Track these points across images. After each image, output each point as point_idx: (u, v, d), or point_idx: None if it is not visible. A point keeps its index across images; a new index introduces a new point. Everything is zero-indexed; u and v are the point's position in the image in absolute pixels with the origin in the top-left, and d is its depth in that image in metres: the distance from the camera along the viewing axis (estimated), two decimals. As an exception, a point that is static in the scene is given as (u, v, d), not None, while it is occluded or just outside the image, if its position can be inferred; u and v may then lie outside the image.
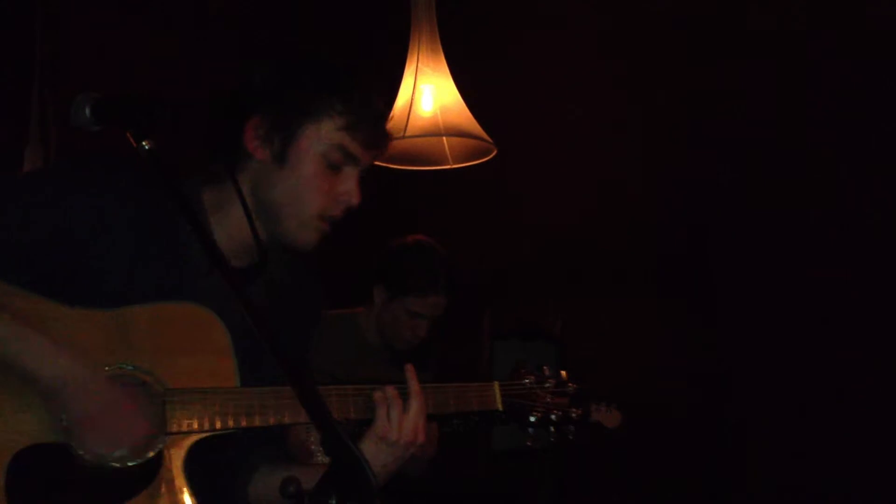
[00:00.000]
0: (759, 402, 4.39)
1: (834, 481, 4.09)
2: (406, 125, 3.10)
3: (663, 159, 4.63)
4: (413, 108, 3.14)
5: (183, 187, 1.55)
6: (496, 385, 1.94)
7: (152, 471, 1.64)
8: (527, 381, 1.97)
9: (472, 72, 3.46)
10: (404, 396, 1.80)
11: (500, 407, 1.94)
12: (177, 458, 1.65)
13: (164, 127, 1.56)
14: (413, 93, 3.16)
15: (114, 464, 1.62)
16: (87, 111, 1.54)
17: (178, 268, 1.76)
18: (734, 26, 4.37)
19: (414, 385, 1.81)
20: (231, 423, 1.68)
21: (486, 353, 4.60)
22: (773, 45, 4.31)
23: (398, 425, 1.77)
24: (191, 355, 1.68)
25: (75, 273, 1.67)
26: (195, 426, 1.66)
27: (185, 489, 1.64)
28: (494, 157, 3.30)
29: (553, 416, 1.95)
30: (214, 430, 1.67)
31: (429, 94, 3.19)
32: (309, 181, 1.78)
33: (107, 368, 1.63)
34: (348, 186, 1.81)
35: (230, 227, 1.80)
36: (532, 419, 1.95)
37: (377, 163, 1.92)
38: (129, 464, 1.63)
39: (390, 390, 1.79)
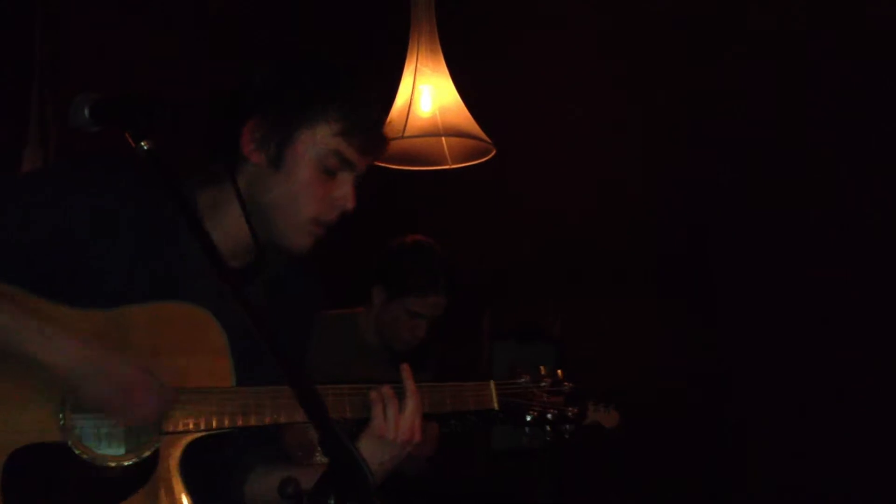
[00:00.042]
0: (759, 402, 4.39)
1: (834, 481, 4.09)
2: (405, 125, 3.10)
3: (663, 159, 4.63)
4: (412, 108, 3.14)
5: (181, 188, 1.55)
6: (492, 384, 1.95)
7: (148, 470, 1.64)
8: (523, 380, 1.98)
9: (472, 72, 3.46)
10: (400, 395, 1.80)
11: (496, 406, 1.94)
12: (173, 458, 1.65)
13: (163, 127, 1.56)
14: (412, 93, 3.16)
15: (110, 463, 1.63)
16: (86, 112, 1.54)
17: (177, 268, 1.76)
18: (734, 26, 4.37)
19: (410, 384, 1.81)
20: (227, 423, 1.69)
21: (485, 354, 4.61)
22: (773, 45, 4.31)
23: (394, 424, 1.77)
24: (187, 355, 1.69)
25: (75, 273, 1.67)
26: (191, 426, 1.66)
27: (180, 489, 1.65)
28: (494, 157, 3.30)
29: (549, 415, 1.96)
30: (210, 429, 1.68)
31: (428, 94, 3.19)
32: (304, 186, 1.77)
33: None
34: (343, 191, 1.80)
35: (227, 228, 1.80)
36: (528, 418, 1.96)
37: (376, 163, 1.92)
38: (126, 463, 1.63)
39: (386, 389, 1.80)
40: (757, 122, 4.38)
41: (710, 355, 4.50)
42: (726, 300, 4.58)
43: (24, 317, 1.60)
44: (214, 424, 1.68)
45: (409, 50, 3.26)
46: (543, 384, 1.99)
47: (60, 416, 1.62)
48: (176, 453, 1.66)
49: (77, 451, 1.61)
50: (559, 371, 2.02)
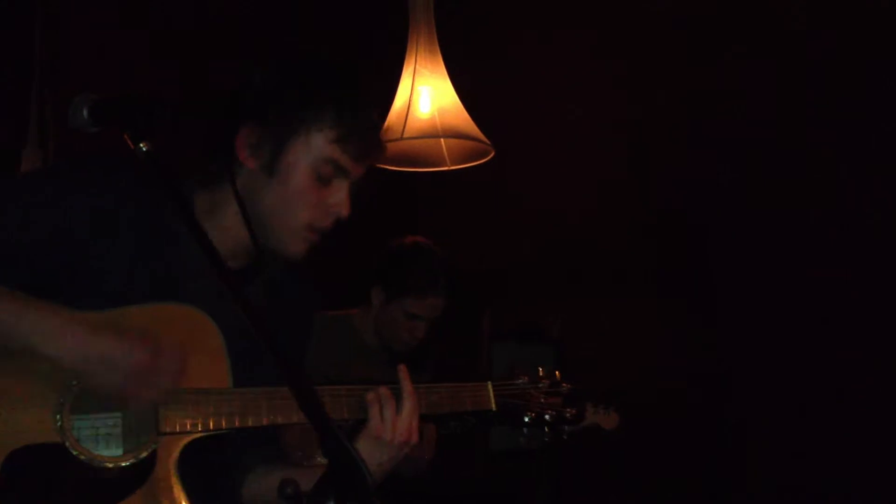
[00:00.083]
0: (759, 402, 4.39)
1: (834, 481, 4.09)
2: (404, 127, 3.10)
3: (663, 159, 4.63)
4: (411, 109, 3.14)
5: (180, 188, 1.55)
6: (489, 385, 1.95)
7: (146, 471, 1.64)
8: (520, 381, 1.98)
9: (472, 72, 3.46)
10: (397, 397, 1.80)
11: (493, 407, 1.94)
12: (171, 459, 1.66)
13: (163, 128, 1.56)
14: (411, 94, 3.16)
15: (107, 464, 1.63)
16: (85, 112, 1.54)
17: (176, 268, 1.76)
18: (734, 26, 4.37)
19: (407, 385, 1.81)
20: (224, 424, 1.69)
21: (484, 355, 4.61)
22: (773, 45, 4.31)
23: (392, 425, 1.77)
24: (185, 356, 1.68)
25: (75, 273, 1.67)
26: (188, 426, 1.66)
27: (178, 490, 1.65)
28: (494, 157, 3.30)
29: (547, 416, 1.96)
30: (208, 430, 1.68)
31: (426, 95, 3.19)
32: (298, 193, 1.77)
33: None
34: (338, 198, 1.80)
35: (224, 230, 1.80)
36: (526, 419, 1.96)
37: (375, 165, 1.92)
38: (123, 464, 1.63)
39: (383, 390, 1.80)
40: (757, 122, 4.38)
41: (710, 355, 4.50)
42: (726, 300, 4.58)
43: (27, 310, 1.60)
44: (212, 425, 1.68)
45: (407, 51, 3.26)
46: (541, 385, 1.99)
47: (58, 416, 1.62)
48: (174, 454, 1.66)
49: (74, 452, 1.61)
50: (557, 372, 2.02)
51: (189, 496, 1.66)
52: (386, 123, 3.16)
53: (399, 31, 3.36)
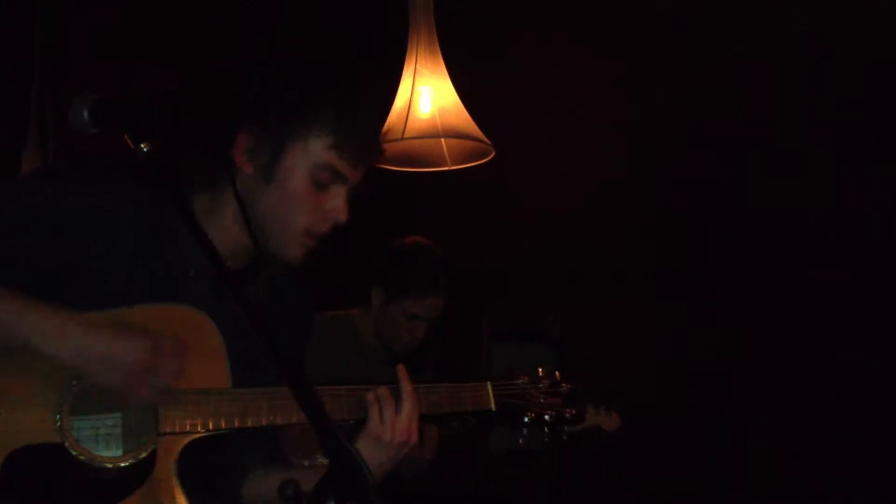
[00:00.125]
0: (759, 402, 4.39)
1: (834, 481, 4.09)
2: (404, 127, 3.10)
3: (663, 159, 4.63)
4: (411, 109, 3.14)
5: (180, 189, 1.55)
6: (489, 385, 1.94)
7: (145, 471, 1.64)
8: (520, 381, 1.98)
9: (472, 72, 3.46)
10: (397, 397, 1.80)
11: (493, 407, 1.93)
12: (170, 459, 1.65)
13: (163, 129, 1.56)
14: (411, 94, 3.16)
15: (106, 464, 1.63)
16: (85, 113, 1.54)
17: (176, 268, 1.76)
18: (734, 26, 4.36)
19: (406, 385, 1.81)
20: (223, 424, 1.69)
21: (484, 355, 4.61)
22: (773, 45, 4.31)
23: (391, 426, 1.77)
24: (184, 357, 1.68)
25: (75, 273, 1.68)
26: (188, 427, 1.66)
27: (178, 490, 1.65)
28: (494, 157, 3.30)
29: (547, 417, 1.95)
30: (207, 430, 1.68)
31: (427, 95, 3.19)
32: (295, 199, 1.76)
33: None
34: (335, 204, 1.79)
35: (222, 232, 1.79)
36: (525, 419, 1.95)
37: (376, 165, 1.91)
38: (123, 464, 1.63)
39: (382, 391, 1.79)
40: (757, 122, 4.38)
41: (710, 355, 4.50)
42: (726, 300, 4.58)
43: (27, 310, 1.60)
44: (211, 426, 1.68)
45: (408, 51, 3.26)
46: (541, 385, 1.98)
47: (57, 416, 1.62)
48: (173, 454, 1.66)
49: (74, 453, 1.61)
50: (557, 373, 2.02)
51: (189, 496, 1.66)
52: (386, 124, 3.17)
53: (399, 31, 3.36)
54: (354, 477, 1.26)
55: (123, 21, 4.05)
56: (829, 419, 4.15)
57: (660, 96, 4.56)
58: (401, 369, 1.83)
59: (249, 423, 1.71)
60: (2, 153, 3.63)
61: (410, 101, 3.16)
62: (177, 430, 1.66)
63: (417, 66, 3.19)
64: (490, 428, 3.81)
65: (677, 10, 4.34)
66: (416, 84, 3.18)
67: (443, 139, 3.25)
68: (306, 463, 2.70)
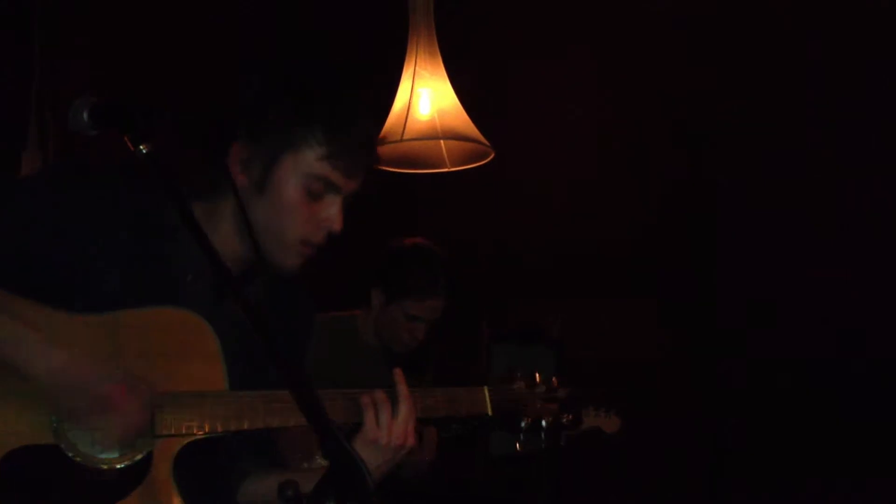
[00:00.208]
0: (759, 402, 4.39)
1: (834, 481, 4.09)
2: (403, 129, 3.10)
3: (663, 159, 4.63)
4: (410, 111, 3.14)
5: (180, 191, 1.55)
6: (486, 390, 1.93)
7: (141, 473, 1.64)
8: (517, 386, 1.97)
9: (472, 72, 3.46)
10: (393, 400, 1.79)
11: (489, 412, 1.92)
12: (166, 461, 1.65)
13: (163, 131, 1.56)
14: (410, 96, 3.16)
15: (102, 465, 1.63)
16: (85, 115, 1.54)
17: (175, 271, 1.76)
18: (734, 26, 4.36)
19: (403, 389, 1.80)
20: (220, 427, 1.68)
21: (484, 356, 4.60)
22: (773, 45, 4.31)
23: (388, 429, 1.76)
24: (181, 360, 1.68)
25: (74, 274, 1.67)
26: (184, 430, 1.66)
27: (174, 492, 1.65)
28: (494, 157, 3.30)
29: (544, 422, 1.95)
30: (204, 433, 1.67)
31: (426, 97, 3.19)
32: (288, 209, 1.75)
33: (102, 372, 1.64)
34: (329, 213, 1.77)
35: (218, 243, 1.78)
36: (522, 424, 1.95)
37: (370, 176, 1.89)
38: (119, 466, 1.63)
39: (378, 394, 1.79)
40: (757, 122, 4.38)
41: (710, 355, 4.50)
42: (726, 300, 4.58)
43: (11, 323, 1.59)
44: (208, 429, 1.67)
45: (407, 53, 3.26)
46: (539, 390, 1.98)
47: (53, 418, 1.62)
48: (170, 456, 1.66)
49: (70, 454, 1.61)
50: (554, 378, 2.01)
51: (186, 498, 1.65)
52: (386, 125, 3.16)
53: (399, 31, 3.36)
54: (354, 478, 1.26)
55: (123, 21, 4.05)
56: (829, 419, 4.15)
57: (660, 96, 4.56)
58: (398, 373, 1.82)
59: (246, 426, 1.70)
60: (2, 154, 3.63)
61: (410, 102, 3.16)
62: (173, 432, 1.66)
63: (417, 68, 3.19)
64: (490, 430, 3.81)
65: (677, 10, 4.34)
66: (415, 86, 3.18)
67: (442, 141, 3.25)
68: (305, 465, 2.70)
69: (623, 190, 4.69)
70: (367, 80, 1.88)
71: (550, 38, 4.60)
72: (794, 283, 4.34)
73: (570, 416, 1.97)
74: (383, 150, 3.04)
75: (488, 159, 3.30)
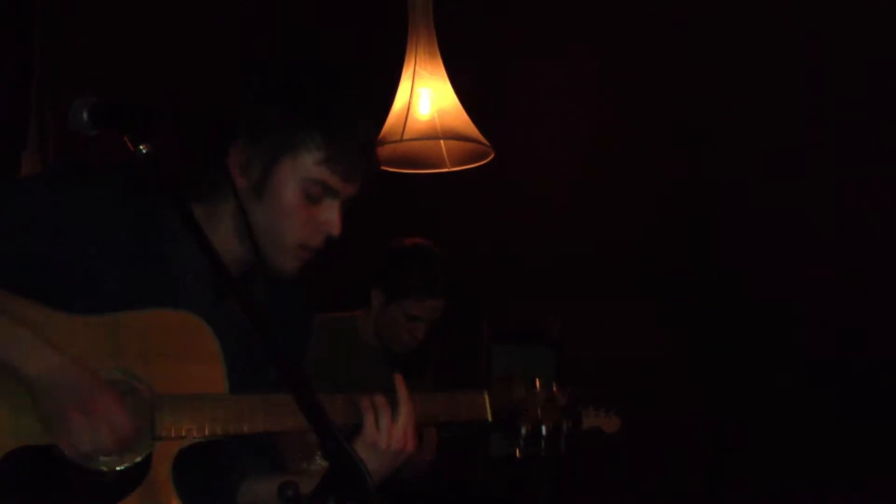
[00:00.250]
0: (759, 403, 4.40)
1: (834, 481, 4.09)
2: (403, 129, 3.10)
3: (663, 159, 4.63)
4: (410, 111, 3.14)
5: (180, 192, 1.55)
6: (486, 395, 1.92)
7: (140, 475, 1.64)
8: (517, 392, 1.95)
9: (472, 72, 3.46)
10: (393, 404, 1.78)
11: (489, 418, 1.91)
12: (165, 464, 1.65)
13: (162, 131, 1.56)
14: (410, 96, 3.16)
15: (101, 467, 1.62)
16: (85, 115, 1.53)
17: (174, 271, 1.76)
18: (734, 26, 4.37)
19: (402, 392, 1.79)
20: (220, 430, 1.68)
21: (484, 356, 4.61)
22: (773, 44, 4.31)
23: (387, 433, 1.76)
24: (181, 362, 1.68)
25: (73, 274, 1.67)
26: (183, 432, 1.66)
27: (174, 494, 1.64)
28: (494, 157, 3.30)
29: (543, 429, 1.94)
30: (203, 436, 1.67)
31: (426, 97, 3.19)
32: (286, 213, 1.74)
33: (102, 373, 1.63)
34: (328, 217, 1.76)
35: (217, 243, 1.77)
36: (522, 430, 1.94)
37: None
38: (117, 468, 1.63)
39: (378, 398, 1.78)
40: (757, 122, 4.38)
41: (710, 355, 4.50)
42: (726, 300, 4.58)
43: (8, 324, 1.59)
44: (207, 431, 1.67)
45: (407, 53, 3.26)
46: (538, 396, 1.97)
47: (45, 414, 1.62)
48: (169, 457, 1.65)
49: (63, 452, 1.61)
50: (554, 384, 2.00)
51: (185, 499, 1.65)
52: (386, 125, 3.16)
53: (399, 31, 3.36)
54: (354, 478, 1.26)
55: (123, 21, 4.05)
56: (830, 419, 4.16)
57: (660, 96, 4.56)
58: (398, 378, 1.81)
59: (246, 429, 1.69)
60: (2, 154, 3.62)
61: (409, 102, 3.16)
62: (172, 434, 1.65)
63: (417, 68, 3.19)
64: (490, 433, 3.81)
65: (677, 10, 4.34)
66: (415, 86, 3.18)
67: (442, 141, 3.25)
68: (305, 466, 2.70)
69: (623, 190, 4.69)
70: (367, 80, 1.88)
71: (550, 38, 4.60)
72: (794, 283, 4.35)
73: (570, 423, 1.96)
74: (383, 150, 3.04)
75: (488, 159, 3.29)
